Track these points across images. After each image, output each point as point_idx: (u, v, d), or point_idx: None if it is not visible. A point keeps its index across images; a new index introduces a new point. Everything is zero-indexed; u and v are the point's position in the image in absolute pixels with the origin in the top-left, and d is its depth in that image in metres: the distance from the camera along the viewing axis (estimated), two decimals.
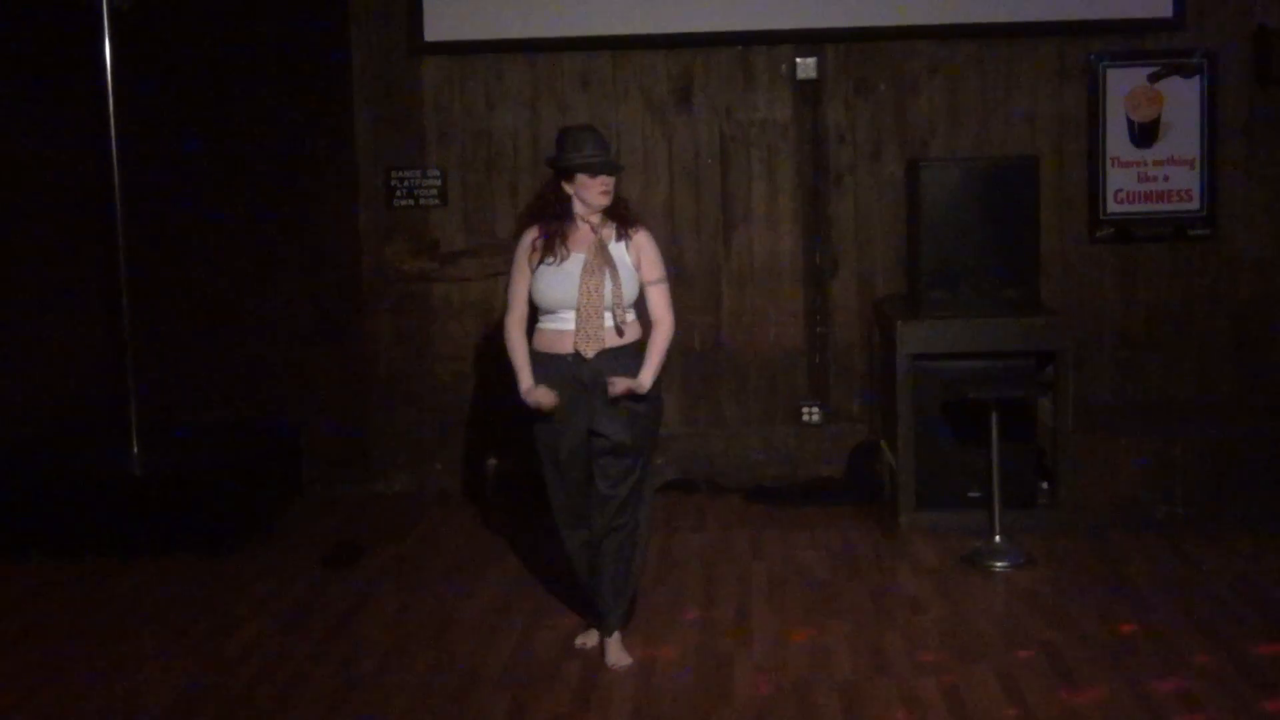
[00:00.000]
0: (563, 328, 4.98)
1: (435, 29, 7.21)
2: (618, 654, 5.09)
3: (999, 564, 6.01)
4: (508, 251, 7.23)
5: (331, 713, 4.71)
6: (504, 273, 7.30)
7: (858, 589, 5.81)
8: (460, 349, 7.46)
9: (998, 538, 6.12)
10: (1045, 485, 6.67)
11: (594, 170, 4.94)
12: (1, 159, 6.94)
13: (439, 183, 7.37)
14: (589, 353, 4.93)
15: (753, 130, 7.34)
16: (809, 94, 7.28)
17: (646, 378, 4.95)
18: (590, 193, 4.96)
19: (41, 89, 7.14)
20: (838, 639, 5.24)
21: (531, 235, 5.05)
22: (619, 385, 4.90)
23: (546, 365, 5.01)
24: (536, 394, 4.96)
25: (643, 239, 5.05)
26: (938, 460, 6.56)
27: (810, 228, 7.36)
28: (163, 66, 7.26)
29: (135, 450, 6.76)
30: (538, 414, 5.01)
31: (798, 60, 7.25)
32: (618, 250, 5.00)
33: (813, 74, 7.24)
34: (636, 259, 5.02)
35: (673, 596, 5.77)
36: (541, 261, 4.99)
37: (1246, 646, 5.04)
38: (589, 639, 5.25)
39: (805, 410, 7.42)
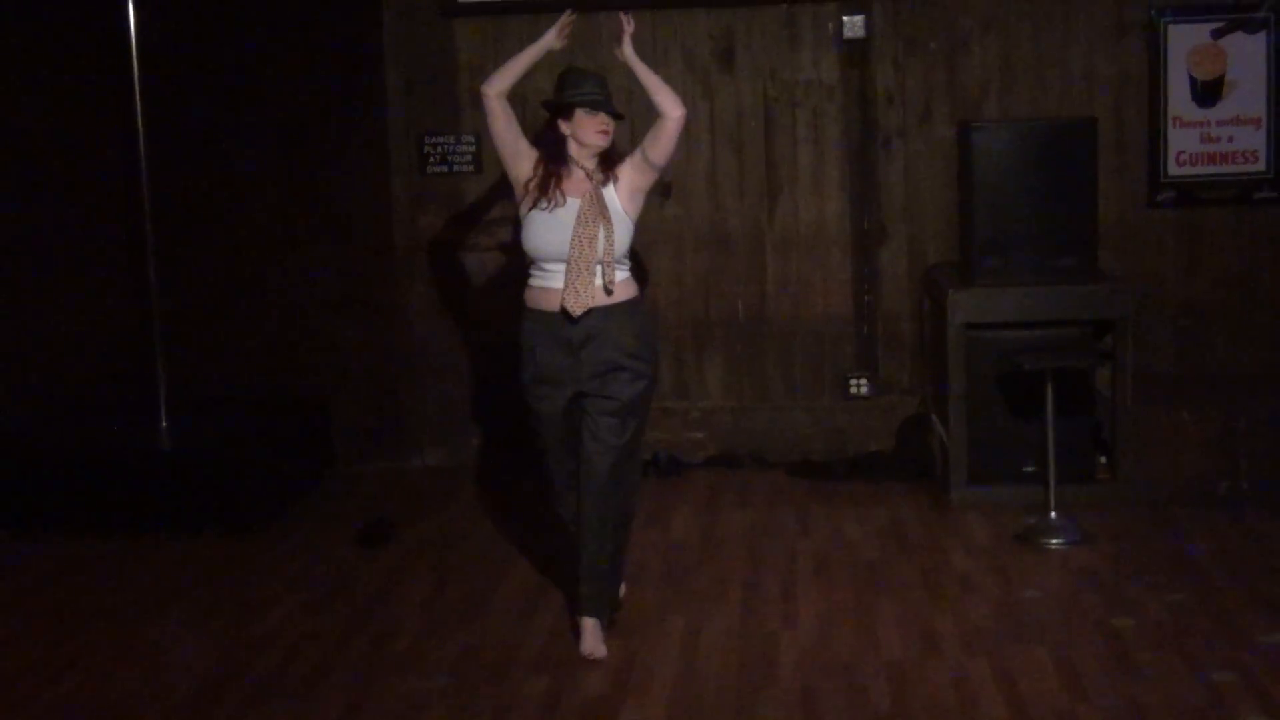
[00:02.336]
0: (550, 284, 4.89)
1: None
2: (593, 643, 4.95)
3: (1054, 541, 5.96)
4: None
5: (363, 694, 4.71)
6: None
7: (907, 567, 5.78)
8: (495, 319, 7.34)
9: (1053, 514, 6.06)
10: (1103, 459, 6.63)
11: (594, 106, 4.87)
12: (28, 131, 6.98)
13: (473, 149, 7.32)
14: (577, 311, 4.84)
15: (798, 92, 7.25)
16: (856, 54, 7.20)
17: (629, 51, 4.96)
18: (587, 131, 4.87)
19: (67, 58, 7.19)
20: (886, 619, 5.21)
21: (535, 157, 4.96)
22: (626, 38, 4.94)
23: (532, 319, 4.97)
24: (553, 31, 5.04)
25: (624, 166, 4.96)
26: (991, 433, 6.53)
27: (858, 193, 7.29)
28: (188, 33, 7.28)
29: (164, 424, 6.81)
30: (523, 376, 5.00)
31: (845, 18, 7.15)
32: (609, 195, 4.91)
33: (860, 33, 7.15)
34: (626, 191, 4.93)
35: (716, 575, 5.76)
36: (535, 205, 4.90)
37: None
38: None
39: (853, 382, 7.35)
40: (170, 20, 7.07)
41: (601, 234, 4.82)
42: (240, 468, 6.48)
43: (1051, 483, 6.08)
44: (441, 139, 7.32)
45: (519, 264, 7.15)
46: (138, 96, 6.70)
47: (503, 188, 7.20)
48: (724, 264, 7.33)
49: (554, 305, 4.88)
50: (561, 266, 4.85)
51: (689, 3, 7.17)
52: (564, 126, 4.90)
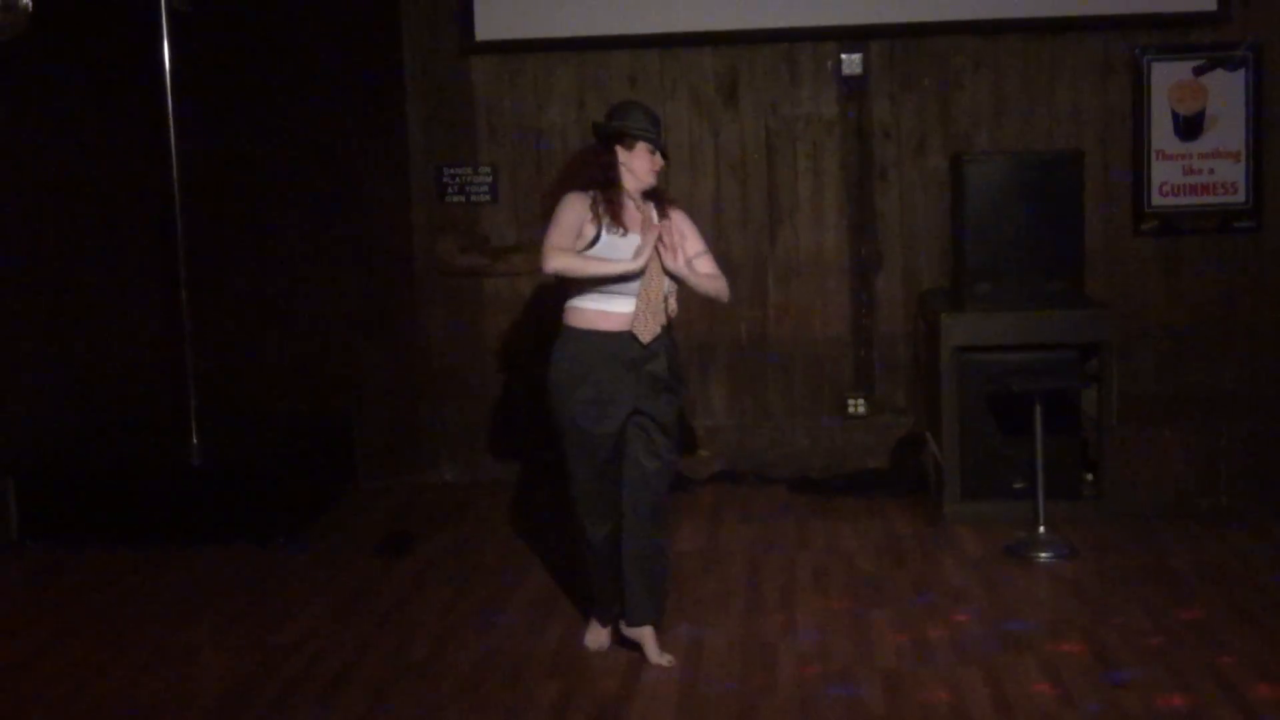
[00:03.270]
0: (613, 309, 4.80)
1: (486, 28, 7.27)
2: (658, 651, 5.00)
3: (1043, 555, 6.01)
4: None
5: (383, 699, 4.75)
6: None
7: (902, 579, 5.82)
8: (510, 342, 7.53)
9: (1042, 529, 6.12)
10: (1089, 477, 6.65)
11: (655, 144, 4.87)
12: (65, 156, 7.03)
13: (490, 179, 7.43)
14: (646, 337, 4.80)
15: (798, 125, 7.36)
16: (854, 89, 7.30)
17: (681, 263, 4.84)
18: (645, 167, 4.85)
19: (103, 88, 7.24)
20: (881, 628, 5.25)
21: (587, 200, 4.82)
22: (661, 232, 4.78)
23: (588, 341, 4.82)
24: (640, 253, 4.73)
25: (679, 216, 4.98)
26: (982, 452, 6.55)
27: (855, 222, 7.37)
28: (220, 66, 7.35)
29: (194, 440, 6.84)
30: (574, 397, 4.83)
31: (843, 56, 7.26)
32: (665, 227, 4.86)
33: (858, 70, 7.26)
34: (678, 238, 4.88)
35: (719, 586, 5.79)
36: (606, 231, 4.79)
37: None
38: (599, 638, 5.15)
39: (851, 402, 7.45)
40: (203, 54, 7.15)
41: (666, 264, 4.80)
42: (267, 482, 6.52)
43: (1040, 499, 6.13)
44: (459, 170, 7.42)
45: (531, 289, 7.44)
46: (171, 126, 6.73)
47: (516, 217, 7.40)
48: (728, 289, 7.42)
49: (615, 326, 4.79)
50: (625, 290, 4.77)
51: (695, 42, 7.27)
52: (622, 154, 4.85)
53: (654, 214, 4.90)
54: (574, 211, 4.82)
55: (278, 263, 7.54)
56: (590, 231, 4.81)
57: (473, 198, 7.46)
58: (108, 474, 6.63)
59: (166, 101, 6.76)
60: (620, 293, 4.80)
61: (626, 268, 4.74)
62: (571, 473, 4.95)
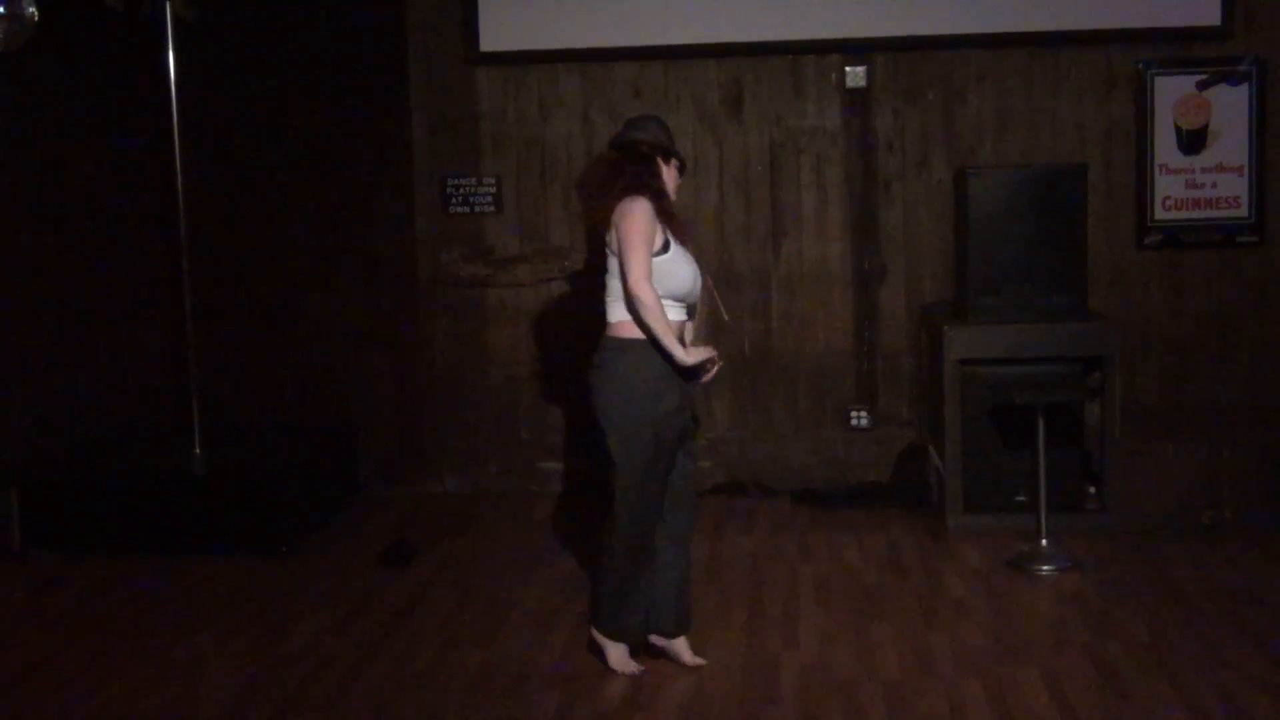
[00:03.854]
0: (676, 317, 4.81)
1: (491, 40, 7.29)
2: (691, 653, 5.08)
3: (1045, 568, 6.01)
4: (560, 258, 7.43)
5: (386, 709, 4.76)
6: (556, 278, 7.47)
7: (904, 592, 5.83)
8: (514, 353, 7.56)
9: (1044, 542, 6.12)
10: (1092, 490, 6.66)
11: (675, 161, 4.96)
12: (69, 166, 7.05)
13: (494, 190, 7.45)
14: (697, 342, 4.92)
15: (802, 138, 7.38)
16: (858, 102, 7.32)
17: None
18: (672, 186, 4.93)
19: (108, 98, 7.27)
20: (884, 640, 5.26)
21: (650, 207, 4.76)
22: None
23: (660, 352, 4.77)
24: (697, 353, 4.75)
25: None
26: (985, 464, 6.57)
27: (859, 234, 7.39)
28: (224, 76, 7.39)
29: (198, 450, 6.86)
30: (658, 408, 4.77)
31: (847, 69, 7.29)
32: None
33: (862, 82, 7.28)
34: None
35: (721, 597, 5.79)
36: (673, 242, 4.81)
37: None
38: (626, 658, 5.04)
39: (853, 414, 7.46)
40: (208, 64, 7.19)
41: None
42: (270, 492, 6.53)
43: (1043, 511, 6.13)
44: (464, 180, 7.44)
45: (536, 300, 7.47)
46: (176, 137, 6.77)
47: (520, 228, 7.43)
48: (732, 301, 7.32)
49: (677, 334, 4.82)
50: (683, 304, 4.84)
51: (700, 54, 7.28)
52: (665, 170, 4.90)
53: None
54: (650, 221, 4.75)
55: (281, 272, 7.56)
56: (659, 240, 4.78)
57: (477, 208, 7.48)
58: (111, 483, 6.62)
59: (171, 111, 6.79)
60: (677, 302, 4.86)
61: (681, 358, 4.73)
62: (640, 485, 4.85)
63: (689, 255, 4.89)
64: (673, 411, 4.82)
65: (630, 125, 5.02)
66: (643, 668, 5.01)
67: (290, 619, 5.65)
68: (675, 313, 4.83)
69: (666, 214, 4.82)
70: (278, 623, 5.61)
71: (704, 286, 4.99)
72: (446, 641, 5.37)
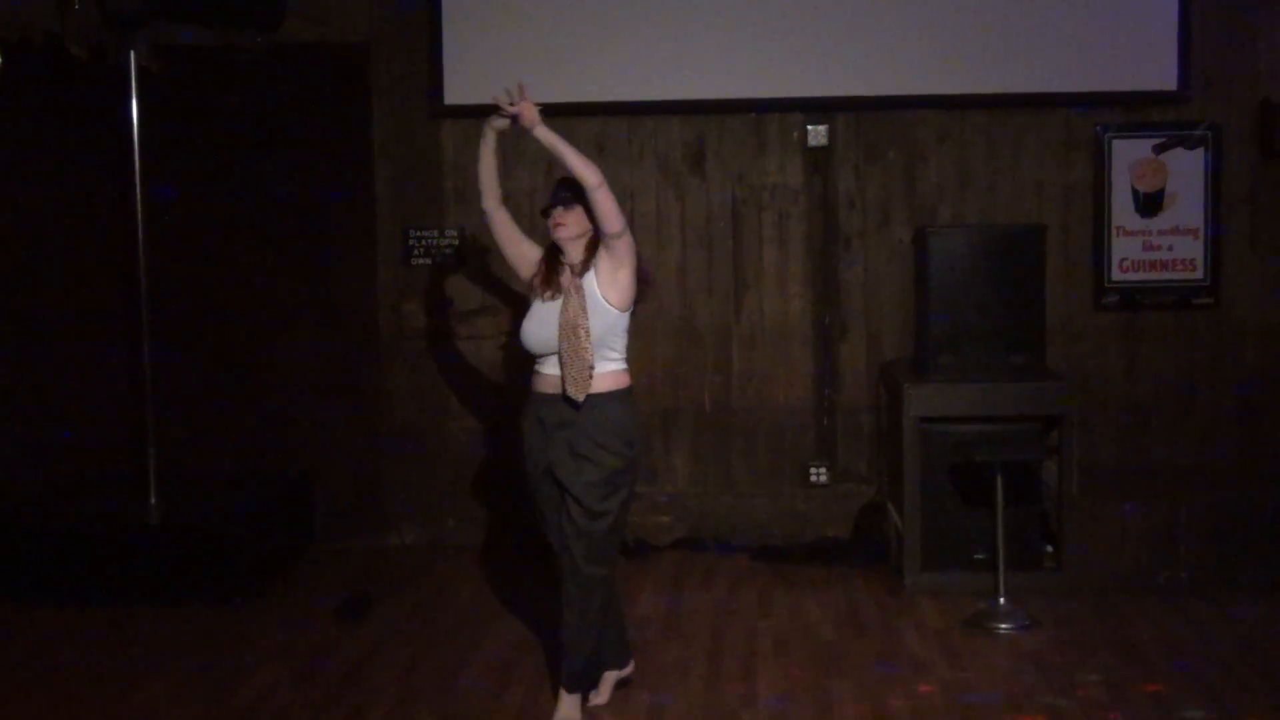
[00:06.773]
0: (548, 371, 4.99)
1: (455, 93, 7.31)
2: (568, 711, 5.00)
3: (1003, 626, 6.03)
4: (523, 312, 7.40)
5: None
6: (517, 333, 7.43)
7: (863, 649, 5.82)
8: (474, 406, 7.54)
9: (1002, 600, 6.14)
10: (1050, 548, 6.68)
11: (546, 209, 5.04)
12: (30, 213, 7.04)
13: (456, 242, 7.45)
14: (579, 396, 4.88)
15: (764, 195, 7.42)
16: (820, 160, 7.38)
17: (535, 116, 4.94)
18: (552, 230, 5.01)
19: (70, 145, 7.25)
20: (842, 697, 5.25)
21: (533, 266, 5.12)
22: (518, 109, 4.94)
23: (537, 405, 5.03)
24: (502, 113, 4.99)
25: (601, 253, 4.94)
26: (944, 522, 6.59)
27: (820, 291, 7.43)
28: (188, 126, 7.37)
29: (153, 500, 6.79)
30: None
31: (809, 127, 7.35)
32: (588, 284, 4.93)
33: (824, 141, 7.35)
34: (606, 276, 4.92)
35: (680, 653, 5.79)
36: (537, 298, 5.04)
37: (1249, 712, 5.05)
38: (575, 711, 5.07)
39: (813, 470, 7.47)
40: (172, 114, 7.17)
41: (583, 324, 4.86)
42: (226, 543, 6.49)
43: (1001, 570, 6.15)
44: (426, 232, 7.45)
45: (495, 353, 7.45)
46: (138, 186, 6.73)
47: (482, 280, 7.43)
48: (692, 356, 7.44)
49: (541, 388, 5.00)
50: (548, 356, 4.95)
51: (663, 110, 7.34)
52: (551, 222, 5.02)
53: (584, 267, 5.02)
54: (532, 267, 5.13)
55: (241, 321, 7.53)
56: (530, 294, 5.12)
57: (439, 260, 7.48)
58: (65, 532, 6.57)
59: (134, 160, 6.76)
60: (547, 359, 5.02)
61: (487, 132, 5.19)
62: (623, 527, 5.12)
63: (548, 309, 4.98)
64: (523, 455, 5.09)
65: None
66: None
67: (244, 671, 5.61)
68: (543, 365, 5.01)
69: (553, 270, 5.04)
70: (231, 674, 5.58)
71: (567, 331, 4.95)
72: (405, 694, 5.35)
